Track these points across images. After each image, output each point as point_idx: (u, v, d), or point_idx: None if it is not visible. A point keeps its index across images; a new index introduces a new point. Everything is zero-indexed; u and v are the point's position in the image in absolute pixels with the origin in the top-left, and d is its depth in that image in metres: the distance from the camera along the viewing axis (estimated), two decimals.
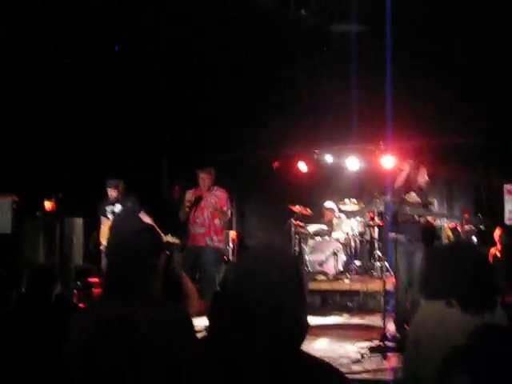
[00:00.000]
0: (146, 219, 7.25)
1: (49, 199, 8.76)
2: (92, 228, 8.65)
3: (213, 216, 7.17)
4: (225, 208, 7.24)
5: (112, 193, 8.06)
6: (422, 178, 6.48)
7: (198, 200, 7.20)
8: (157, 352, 2.09)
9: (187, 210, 7.15)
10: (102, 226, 8.13)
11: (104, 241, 7.79)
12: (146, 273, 2.32)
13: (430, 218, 6.36)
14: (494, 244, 8.30)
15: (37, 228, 8.73)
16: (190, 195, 7.14)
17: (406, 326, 5.61)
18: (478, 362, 2.13)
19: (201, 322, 3.84)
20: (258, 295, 1.58)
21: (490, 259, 8.07)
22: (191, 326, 2.30)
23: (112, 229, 2.52)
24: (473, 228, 9.50)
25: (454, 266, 2.42)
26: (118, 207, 8.04)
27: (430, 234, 6.37)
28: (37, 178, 8.51)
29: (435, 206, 6.70)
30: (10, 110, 8.17)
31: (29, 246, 8.57)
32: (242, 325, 1.61)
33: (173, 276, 3.00)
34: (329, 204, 10.35)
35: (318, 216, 10.60)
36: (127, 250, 2.31)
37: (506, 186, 7.98)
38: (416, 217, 6.25)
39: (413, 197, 6.31)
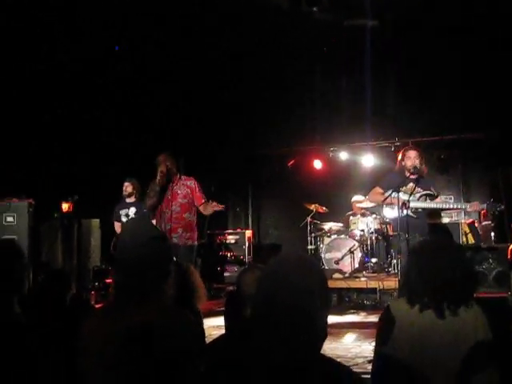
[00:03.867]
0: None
1: (65, 201, 8.82)
2: (108, 230, 8.68)
3: (182, 209, 6.45)
4: (203, 200, 6.50)
5: (127, 188, 7.96)
6: (410, 161, 6.03)
7: (165, 187, 6.41)
8: (170, 359, 2.09)
9: (159, 184, 6.35)
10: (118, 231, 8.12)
11: None
12: (161, 280, 2.31)
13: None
14: None
15: (54, 230, 8.82)
16: (163, 166, 6.36)
17: None
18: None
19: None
20: (287, 300, 1.62)
21: (509, 255, 7.98)
22: (203, 333, 2.31)
23: (125, 233, 2.44)
24: (490, 224, 9.41)
25: (426, 263, 2.44)
26: (132, 210, 7.96)
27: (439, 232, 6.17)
28: (53, 181, 8.58)
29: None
30: (24, 113, 8.24)
31: (46, 248, 8.66)
32: (267, 328, 1.64)
33: (180, 271, 3.01)
34: (358, 197, 10.18)
35: (333, 214, 10.57)
36: (144, 258, 2.25)
37: None
38: (419, 210, 5.96)
39: (410, 187, 5.92)
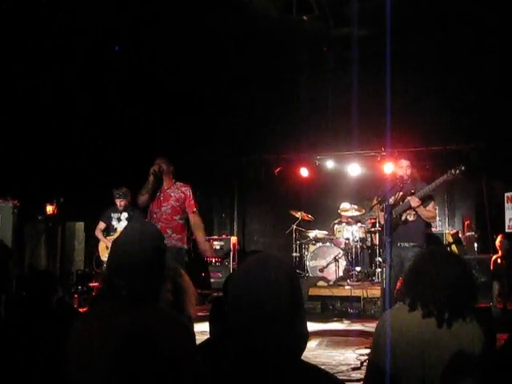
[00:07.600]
0: None
1: (50, 203, 8.76)
2: (93, 233, 8.63)
3: (173, 211, 6.41)
4: (194, 209, 6.50)
5: (121, 203, 8.16)
6: (401, 169, 6.15)
7: (157, 188, 6.41)
8: (164, 364, 2.07)
9: (150, 182, 6.31)
10: (101, 241, 8.25)
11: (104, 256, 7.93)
12: (159, 284, 2.29)
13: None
14: (496, 251, 8.32)
15: (38, 232, 8.75)
16: (156, 166, 6.35)
17: None
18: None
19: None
20: (255, 305, 1.57)
21: (492, 266, 8.09)
22: (194, 337, 2.30)
23: (125, 236, 2.36)
24: (474, 234, 9.51)
25: (435, 270, 2.44)
26: (124, 215, 8.16)
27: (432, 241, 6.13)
28: (38, 182, 8.52)
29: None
30: (10, 115, 8.18)
31: (30, 250, 8.58)
32: (240, 335, 1.60)
33: (170, 274, 3.00)
34: (344, 205, 10.21)
35: (319, 222, 10.60)
36: (146, 262, 2.22)
37: (507, 194, 7.93)
38: (404, 216, 6.04)
39: (399, 195, 6.02)
